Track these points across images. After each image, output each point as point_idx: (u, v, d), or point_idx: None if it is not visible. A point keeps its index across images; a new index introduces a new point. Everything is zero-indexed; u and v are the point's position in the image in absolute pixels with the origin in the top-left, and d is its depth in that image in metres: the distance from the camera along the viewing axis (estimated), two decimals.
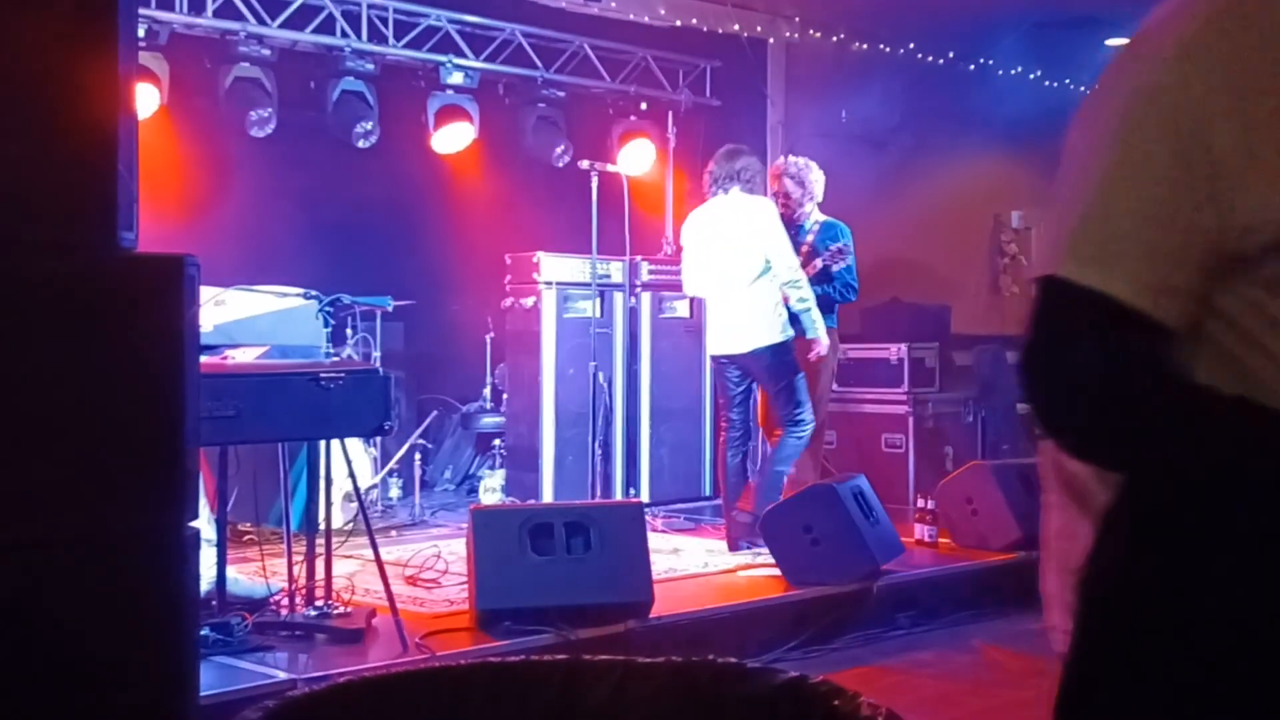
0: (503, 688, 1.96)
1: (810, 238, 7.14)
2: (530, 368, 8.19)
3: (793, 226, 7.04)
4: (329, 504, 5.10)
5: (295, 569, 5.04)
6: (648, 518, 5.82)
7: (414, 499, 7.85)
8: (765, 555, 6.04)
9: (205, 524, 4.69)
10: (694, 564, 6.36)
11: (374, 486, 7.66)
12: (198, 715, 3.02)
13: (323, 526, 5.04)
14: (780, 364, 6.52)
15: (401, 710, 1.88)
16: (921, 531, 6.76)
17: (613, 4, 8.64)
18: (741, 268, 6.55)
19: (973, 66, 9.97)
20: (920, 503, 6.93)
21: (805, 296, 6.55)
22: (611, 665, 1.97)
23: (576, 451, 7.94)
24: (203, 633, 4.23)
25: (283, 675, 4.23)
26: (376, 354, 7.58)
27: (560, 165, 8.93)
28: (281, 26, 7.86)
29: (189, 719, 2.94)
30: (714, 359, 6.90)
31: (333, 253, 8.18)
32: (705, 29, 9.04)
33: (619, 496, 7.90)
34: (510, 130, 9.11)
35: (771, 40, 9.36)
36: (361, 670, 4.03)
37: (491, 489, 7.98)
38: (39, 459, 2.73)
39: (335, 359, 6.03)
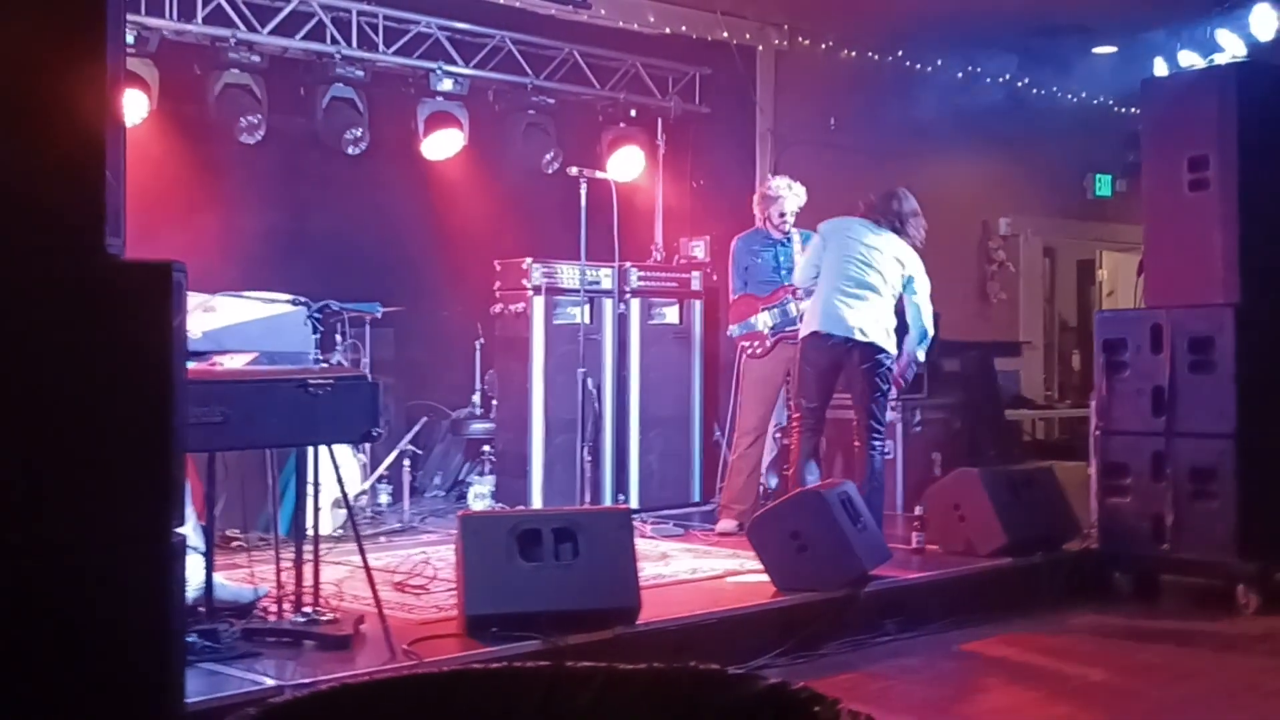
0: (486, 695, 1.96)
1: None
2: (520, 374, 8.21)
3: (782, 241, 7.62)
4: (317, 510, 5.10)
5: (283, 575, 5.04)
6: (636, 524, 5.82)
7: (403, 505, 7.84)
8: (753, 561, 6.03)
9: (192, 531, 4.68)
10: (682, 570, 6.36)
11: (363, 493, 7.66)
12: None
13: (310, 533, 5.04)
14: (886, 371, 6.77)
15: (384, 717, 1.88)
16: (909, 538, 6.76)
17: (602, 11, 8.66)
18: (883, 284, 6.76)
19: (961, 74, 10.00)
20: (908, 509, 6.93)
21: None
22: (593, 672, 1.97)
23: (565, 458, 7.95)
24: (190, 639, 4.19)
25: (270, 682, 4.20)
26: (365, 360, 7.58)
27: (550, 172, 8.97)
28: (271, 33, 7.89)
29: None
30: (815, 336, 6.81)
31: (322, 259, 8.19)
32: (694, 36, 9.07)
33: (608, 503, 7.91)
34: (500, 137, 9.14)
35: (761, 48, 9.39)
36: (348, 677, 4.02)
37: (480, 495, 7.97)
38: (23, 465, 2.73)
39: (324, 365, 6.02)
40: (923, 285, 6.83)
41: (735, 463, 7.71)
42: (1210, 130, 6.63)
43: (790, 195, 7.59)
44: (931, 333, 6.91)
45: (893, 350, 6.80)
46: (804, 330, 6.91)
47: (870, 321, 6.71)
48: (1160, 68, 8.25)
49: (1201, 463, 6.52)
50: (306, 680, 4.17)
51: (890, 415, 8.26)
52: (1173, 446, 6.60)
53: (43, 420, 2.78)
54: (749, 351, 7.64)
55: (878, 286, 6.75)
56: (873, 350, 6.70)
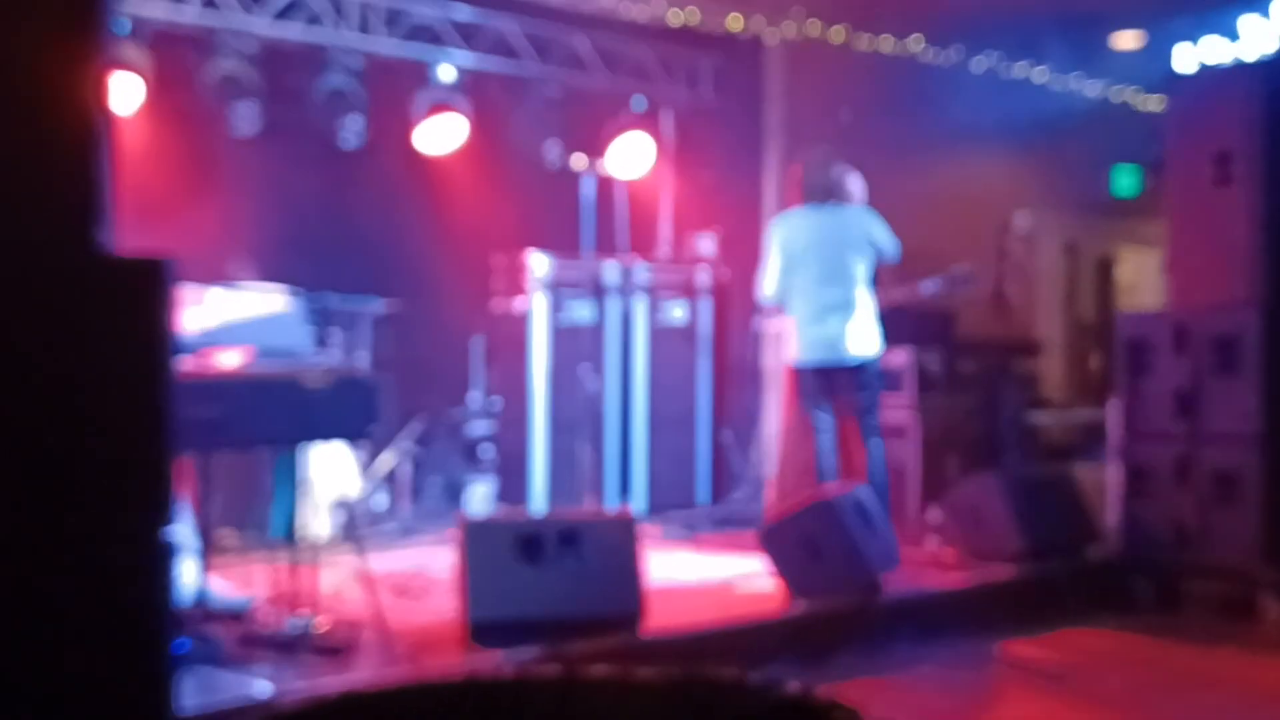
0: (497, 702, 1.94)
1: None
2: (520, 372, 8.12)
3: None
4: (314, 512, 5.03)
5: (279, 578, 5.02)
6: (643, 526, 5.73)
7: (401, 506, 7.78)
8: (761, 564, 5.98)
9: (187, 532, 4.63)
10: (690, 574, 6.32)
11: (362, 495, 7.56)
12: None
13: (306, 535, 4.97)
14: (876, 374, 6.83)
15: None
16: (926, 542, 6.73)
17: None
18: (858, 258, 6.72)
19: (978, 66, 9.94)
20: (924, 513, 6.91)
21: None
22: (607, 680, 1.95)
23: (568, 458, 7.85)
24: (185, 643, 4.21)
25: (266, 687, 4.19)
26: (364, 356, 7.50)
27: (554, 165, 8.85)
28: (268, 21, 7.80)
29: None
30: (809, 368, 6.81)
31: (319, 252, 8.12)
32: (704, 27, 9.00)
33: (611, 505, 7.82)
34: (503, 128, 9.09)
35: (771, 39, 9.30)
36: (345, 682, 3.99)
37: (480, 496, 7.91)
38: (12, 464, 2.69)
39: (321, 362, 5.94)
40: (885, 230, 6.83)
41: (783, 465, 7.63)
42: (1236, 125, 6.64)
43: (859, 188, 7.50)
44: (898, 259, 6.91)
45: (877, 348, 6.77)
46: (789, 356, 6.89)
47: (853, 333, 6.67)
48: (1184, 58, 8.23)
49: (1225, 466, 6.49)
50: (303, 685, 4.18)
51: (906, 416, 8.19)
52: (1196, 450, 6.56)
53: (32, 419, 2.72)
54: None
55: (852, 267, 6.70)
56: (859, 366, 6.71)
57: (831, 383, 6.77)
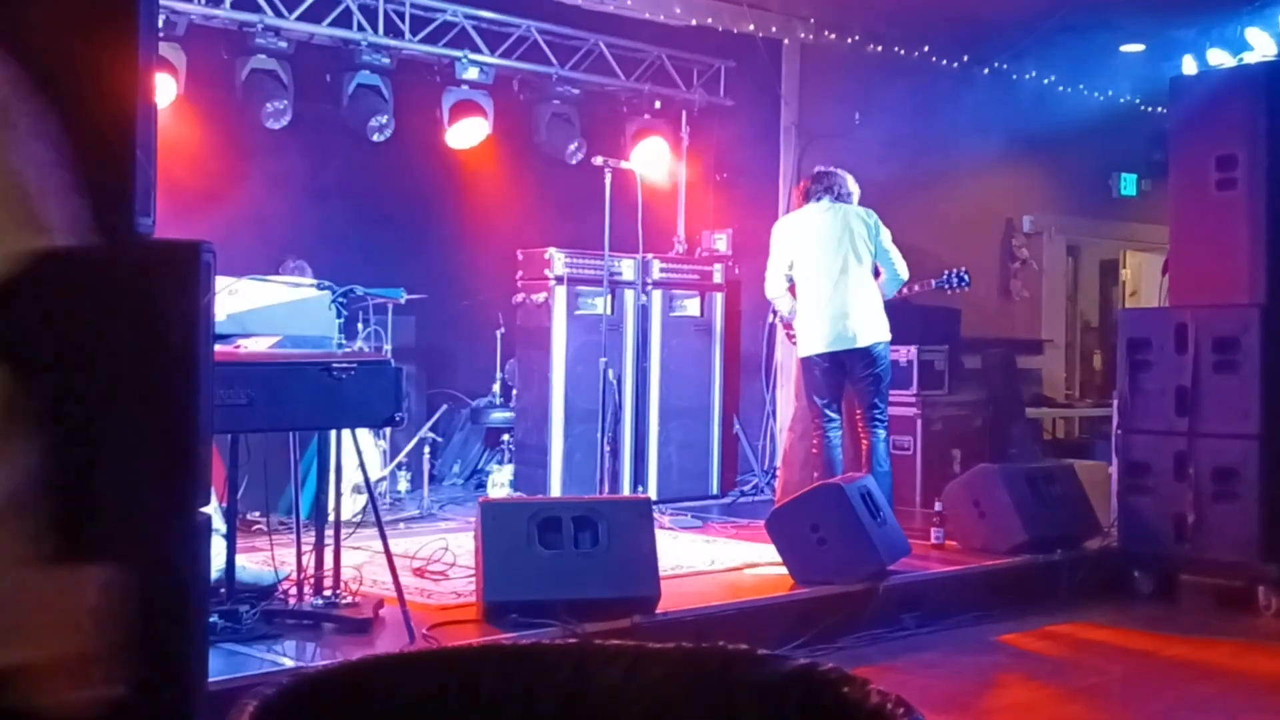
0: (513, 671, 1.96)
1: None
2: (540, 363, 8.22)
3: None
4: (338, 495, 5.12)
5: (304, 558, 5.07)
6: (655, 515, 5.82)
7: (422, 492, 7.87)
8: (772, 553, 6.03)
9: (215, 513, 4.70)
10: (700, 561, 6.36)
11: (383, 479, 7.68)
12: (205, 701, 3.05)
13: (332, 517, 5.06)
14: (886, 365, 6.91)
15: (412, 691, 1.89)
16: (928, 533, 6.76)
17: (628, 2, 8.64)
18: (863, 250, 6.84)
19: (987, 70, 9.97)
20: (927, 505, 6.93)
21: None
22: (622, 650, 1.97)
23: (585, 448, 7.96)
24: (211, 620, 4.22)
25: (290, 663, 4.25)
26: (388, 346, 7.60)
27: (574, 162, 8.98)
28: (299, 19, 7.91)
29: (197, 705, 2.96)
30: (818, 357, 6.90)
31: (346, 245, 8.22)
32: (720, 29, 9.05)
33: (627, 493, 7.90)
34: (524, 126, 9.16)
35: (786, 41, 9.36)
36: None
37: (500, 484, 7.98)
38: (48, 443, 2.73)
39: (347, 350, 6.04)
40: (887, 233, 6.91)
41: (787, 455, 7.69)
42: (1239, 130, 6.61)
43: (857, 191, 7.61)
44: (905, 276, 6.96)
45: (887, 335, 6.86)
46: (801, 350, 6.97)
47: (861, 319, 6.77)
48: (1189, 66, 8.20)
49: (1224, 463, 6.49)
50: (327, 662, 4.18)
51: (910, 411, 8.27)
52: (1195, 446, 6.58)
53: (69, 398, 2.77)
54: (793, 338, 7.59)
55: (860, 257, 6.82)
56: (871, 353, 6.80)
57: (841, 372, 6.85)
